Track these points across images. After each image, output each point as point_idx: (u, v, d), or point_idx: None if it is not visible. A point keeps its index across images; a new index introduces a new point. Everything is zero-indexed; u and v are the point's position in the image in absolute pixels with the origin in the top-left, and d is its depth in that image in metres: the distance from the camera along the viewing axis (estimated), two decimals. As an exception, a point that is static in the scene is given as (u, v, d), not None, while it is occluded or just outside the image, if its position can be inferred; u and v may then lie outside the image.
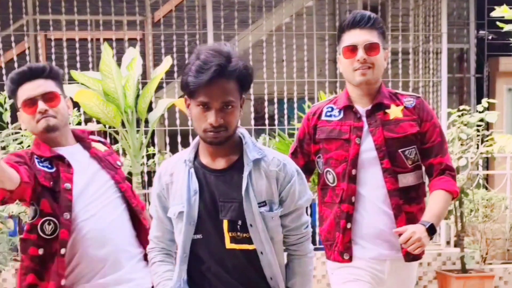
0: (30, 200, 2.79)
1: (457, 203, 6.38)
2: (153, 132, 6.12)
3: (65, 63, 7.06)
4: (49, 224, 2.78)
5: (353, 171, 3.04)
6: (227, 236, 2.39)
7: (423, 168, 3.16)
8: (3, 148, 5.29)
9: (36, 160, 2.83)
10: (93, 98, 5.12)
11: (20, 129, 6.00)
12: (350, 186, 3.04)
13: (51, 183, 2.80)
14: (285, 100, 7.43)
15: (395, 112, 3.08)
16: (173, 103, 5.58)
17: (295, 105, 7.31)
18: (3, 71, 6.65)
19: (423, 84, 8.33)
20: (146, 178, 6.77)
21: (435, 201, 3.03)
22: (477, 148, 6.28)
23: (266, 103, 7.48)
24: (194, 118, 2.35)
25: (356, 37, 3.03)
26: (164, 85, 7.48)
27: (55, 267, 2.77)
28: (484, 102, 6.26)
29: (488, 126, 6.80)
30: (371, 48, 3.02)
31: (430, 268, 6.77)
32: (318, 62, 7.91)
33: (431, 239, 2.93)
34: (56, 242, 2.77)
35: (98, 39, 7.54)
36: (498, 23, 4.28)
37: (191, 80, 2.26)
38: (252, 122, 7.35)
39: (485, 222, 7.09)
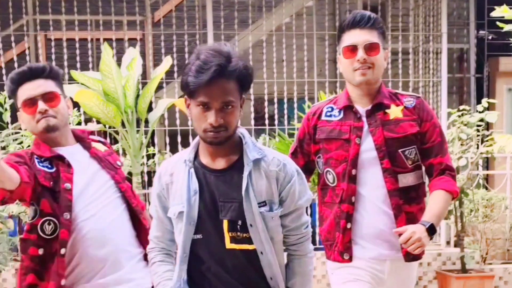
0: (30, 200, 2.80)
1: (457, 203, 6.39)
2: (153, 132, 6.12)
3: (65, 63, 7.07)
4: (49, 224, 2.78)
5: (353, 171, 3.04)
6: (227, 236, 2.39)
7: (423, 168, 3.15)
8: (3, 148, 5.30)
9: (36, 160, 2.83)
10: (93, 98, 5.12)
11: (20, 129, 6.00)
12: (350, 186, 3.04)
13: (51, 183, 2.80)
14: (285, 100, 7.43)
15: (395, 112, 3.08)
16: (173, 103, 5.59)
17: (295, 105, 7.31)
18: (3, 71, 6.66)
19: (423, 84, 8.33)
20: (146, 178, 6.78)
21: (435, 201, 3.03)
22: (477, 148, 6.28)
23: (266, 103, 7.48)
24: (194, 118, 2.34)
25: (356, 37, 3.03)
26: (164, 85, 7.48)
27: (55, 267, 2.77)
28: (484, 102, 6.26)
29: (488, 126, 6.80)
30: (371, 48, 3.02)
31: (430, 268, 6.77)
32: (318, 62, 7.91)
33: (431, 239, 2.93)
34: (56, 242, 2.77)
35: (98, 39, 7.55)
36: (498, 23, 4.28)
37: (191, 80, 2.26)
38: (252, 122, 7.35)
39: (485, 222, 7.09)
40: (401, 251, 3.04)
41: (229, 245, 2.40)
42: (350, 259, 3.08)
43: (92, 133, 3.21)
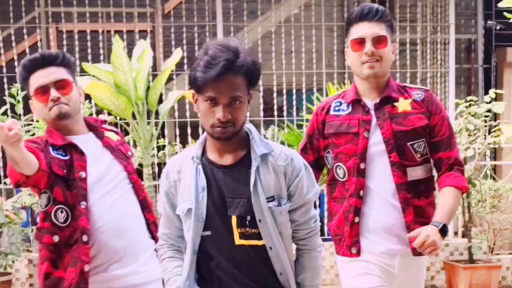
0: (44, 187, 2.82)
1: (464, 194, 6.39)
2: (163, 124, 6.16)
3: (77, 55, 7.10)
4: (62, 212, 2.81)
5: (362, 165, 3.02)
6: (236, 232, 2.38)
7: (432, 161, 3.14)
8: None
9: (50, 148, 2.84)
10: (104, 90, 5.14)
11: (32, 120, 6.07)
12: (359, 180, 3.03)
13: (65, 171, 2.82)
14: (294, 91, 7.45)
15: (403, 105, 3.06)
16: (183, 95, 5.60)
17: (304, 96, 7.33)
18: (15, 63, 6.71)
19: (431, 75, 8.34)
20: (156, 170, 6.83)
21: (445, 198, 3.02)
22: (485, 138, 6.25)
23: (275, 94, 7.51)
24: (202, 113, 2.33)
25: (364, 30, 3.02)
26: (174, 77, 7.52)
27: (77, 254, 2.79)
28: (492, 92, 6.22)
29: (495, 116, 6.81)
30: (379, 41, 3.00)
31: (438, 258, 6.76)
32: (327, 53, 7.91)
33: (443, 239, 2.92)
34: (70, 230, 2.80)
35: (109, 31, 7.59)
36: (505, 13, 4.29)
37: (199, 75, 2.25)
38: (261, 113, 7.38)
39: (492, 213, 7.08)
40: (409, 245, 3.00)
41: (238, 241, 2.38)
42: (358, 253, 3.06)
43: (105, 121, 3.20)
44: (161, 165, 6.61)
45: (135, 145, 6.13)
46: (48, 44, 8.07)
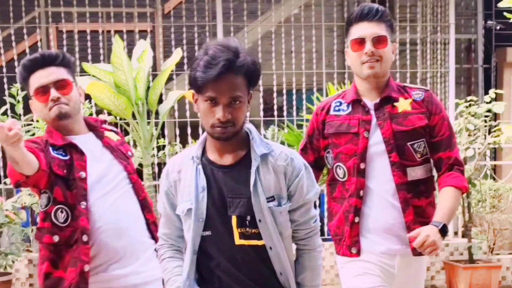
0: (44, 187, 2.82)
1: (464, 194, 6.38)
2: (163, 124, 6.17)
3: (77, 55, 7.10)
4: (61, 212, 2.81)
5: (362, 165, 3.02)
6: (236, 232, 2.38)
7: (432, 161, 3.14)
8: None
9: (50, 148, 2.84)
10: (104, 90, 5.14)
11: (32, 120, 6.08)
12: (359, 180, 3.03)
13: (65, 171, 2.82)
14: (294, 91, 7.46)
15: (403, 105, 3.06)
16: (183, 95, 5.61)
17: (304, 96, 7.33)
18: (15, 63, 6.71)
19: (431, 75, 8.35)
20: (156, 170, 6.83)
21: (445, 198, 3.02)
22: (485, 138, 6.25)
23: (275, 94, 7.52)
24: (202, 114, 2.33)
25: (364, 30, 3.02)
26: (174, 77, 7.53)
27: (77, 254, 2.79)
28: (492, 92, 6.22)
29: (495, 116, 6.81)
30: (379, 41, 3.00)
31: (438, 258, 6.76)
32: (327, 53, 7.92)
33: (443, 239, 2.92)
34: (70, 230, 2.80)
35: (109, 31, 7.59)
36: (505, 13, 4.29)
37: (199, 75, 2.25)
38: (261, 113, 7.38)
39: (492, 213, 7.08)
40: (409, 245, 3.00)
41: (238, 241, 2.38)
42: (358, 253, 3.07)
43: (105, 121, 3.20)
44: (161, 165, 6.62)
45: (135, 145, 6.14)
46: (48, 44, 8.08)
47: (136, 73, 5.30)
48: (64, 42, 7.59)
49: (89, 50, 7.18)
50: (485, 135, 6.28)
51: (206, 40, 8.00)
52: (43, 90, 2.87)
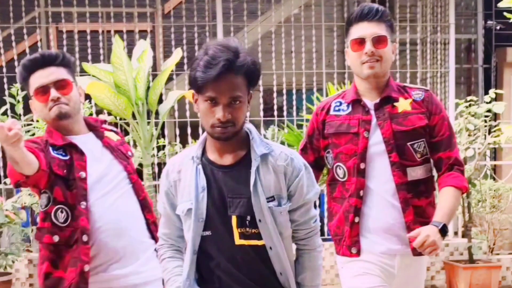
0: (44, 187, 2.82)
1: (464, 194, 6.38)
2: (163, 124, 6.17)
3: (77, 55, 7.10)
4: (61, 212, 2.81)
5: (362, 165, 3.02)
6: (236, 232, 2.38)
7: (432, 161, 3.13)
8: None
9: (50, 148, 2.84)
10: (104, 90, 5.14)
11: (32, 120, 6.08)
12: (359, 180, 3.03)
13: (65, 171, 2.82)
14: (294, 91, 7.46)
15: (403, 105, 3.06)
16: (183, 95, 5.61)
17: (304, 96, 7.33)
18: (15, 63, 6.71)
19: (431, 75, 8.35)
20: (156, 170, 6.83)
21: (445, 198, 3.02)
22: (485, 138, 6.25)
23: (275, 94, 7.52)
24: (202, 114, 2.33)
25: (364, 30, 3.02)
26: (174, 77, 7.53)
27: (77, 254, 2.79)
28: (492, 92, 6.22)
29: (495, 116, 6.81)
30: (379, 41, 3.00)
31: (438, 258, 6.76)
32: (327, 53, 7.92)
33: (443, 239, 2.92)
34: (70, 230, 2.80)
35: (109, 31, 7.59)
36: (505, 13, 4.29)
37: (199, 75, 2.25)
38: (261, 113, 7.38)
39: (492, 213, 7.08)
40: (409, 245, 3.00)
41: (238, 241, 2.38)
42: (358, 254, 3.06)
43: (105, 121, 3.20)
44: (161, 165, 6.62)
45: (135, 145, 6.14)
46: (48, 44, 8.08)
47: (136, 73, 5.30)
48: (64, 42, 7.59)
49: (89, 50, 7.18)
50: (485, 135, 6.28)
51: (206, 40, 8.00)
52: (43, 90, 2.87)
